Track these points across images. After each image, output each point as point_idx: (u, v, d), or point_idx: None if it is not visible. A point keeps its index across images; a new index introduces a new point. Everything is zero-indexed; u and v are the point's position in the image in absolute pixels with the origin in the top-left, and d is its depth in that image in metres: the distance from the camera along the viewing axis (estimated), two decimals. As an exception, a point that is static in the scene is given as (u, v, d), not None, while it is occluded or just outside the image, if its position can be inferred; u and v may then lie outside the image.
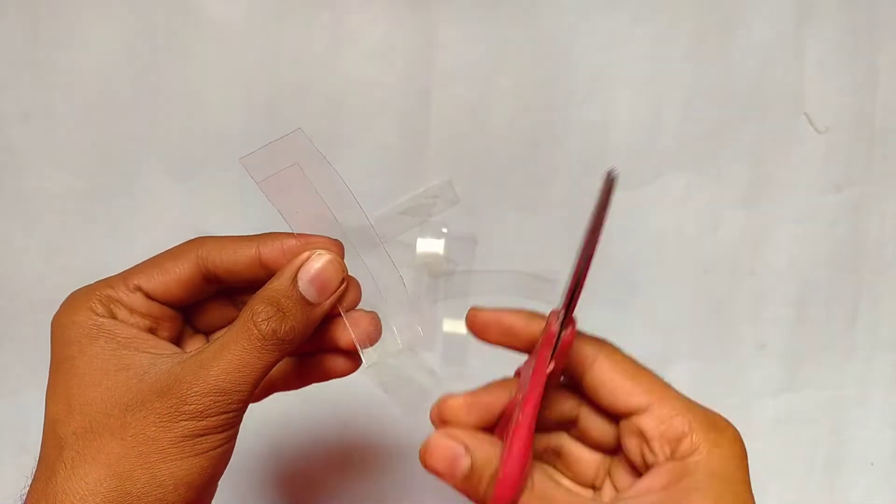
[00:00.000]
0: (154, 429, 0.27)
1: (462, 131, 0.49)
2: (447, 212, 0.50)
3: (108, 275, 0.46)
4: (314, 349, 0.33)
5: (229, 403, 0.28)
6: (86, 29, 0.47)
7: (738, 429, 0.29)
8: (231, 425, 0.29)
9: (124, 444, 0.27)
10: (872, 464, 0.53)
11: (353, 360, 0.33)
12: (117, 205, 0.48)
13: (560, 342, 0.28)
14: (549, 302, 0.50)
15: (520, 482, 0.28)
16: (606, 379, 0.30)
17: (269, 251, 0.31)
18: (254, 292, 0.30)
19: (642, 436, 0.29)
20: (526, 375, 0.30)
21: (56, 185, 0.48)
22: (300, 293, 0.29)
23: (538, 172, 0.49)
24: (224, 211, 0.48)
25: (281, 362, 0.30)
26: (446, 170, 0.49)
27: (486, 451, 0.28)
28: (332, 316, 0.31)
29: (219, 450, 0.29)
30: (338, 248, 0.31)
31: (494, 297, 0.50)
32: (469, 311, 0.32)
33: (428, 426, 0.49)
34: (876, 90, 0.51)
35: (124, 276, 0.31)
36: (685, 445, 0.28)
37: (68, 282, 0.48)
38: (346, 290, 0.31)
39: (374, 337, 0.32)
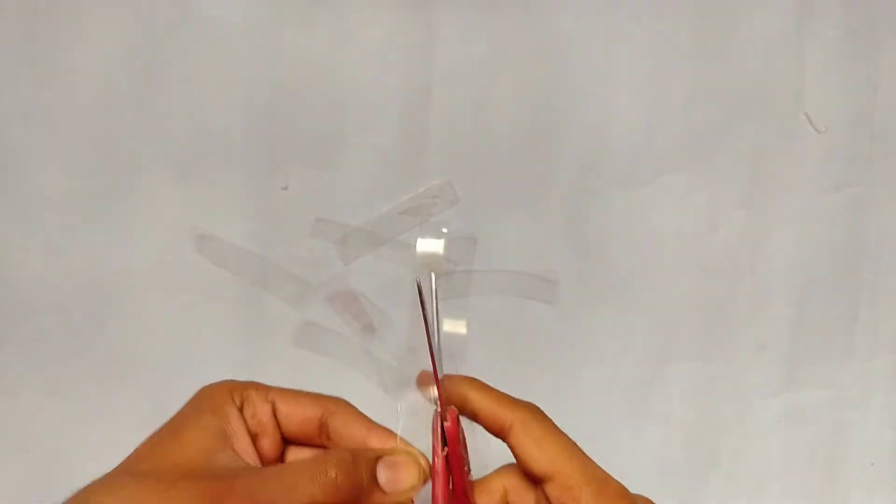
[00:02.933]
0: (188, 501, 0.28)
1: (462, 131, 0.49)
2: (447, 212, 0.50)
3: (106, 274, 0.47)
4: None
5: None
6: (86, 29, 0.47)
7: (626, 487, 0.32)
8: None
9: (158, 500, 0.28)
10: (872, 464, 0.53)
11: None
12: (117, 205, 0.48)
13: (445, 431, 0.33)
14: (548, 302, 0.50)
15: None
16: (518, 447, 0.32)
17: (376, 441, 0.34)
18: None
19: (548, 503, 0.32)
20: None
21: (56, 185, 0.48)
22: (375, 469, 0.32)
23: (538, 172, 0.50)
24: (224, 211, 0.48)
25: None
26: (446, 170, 0.49)
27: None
28: None
29: None
30: (425, 468, 0.33)
31: (494, 297, 0.50)
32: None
33: (427, 426, 0.49)
34: (876, 90, 0.51)
35: (269, 387, 0.35)
36: None
37: (68, 282, 0.48)
38: (407, 500, 0.33)
39: None
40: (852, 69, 0.51)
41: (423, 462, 0.33)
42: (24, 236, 0.48)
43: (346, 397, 0.43)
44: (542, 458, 0.32)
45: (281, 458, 0.36)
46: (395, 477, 0.32)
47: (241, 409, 0.34)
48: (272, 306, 0.49)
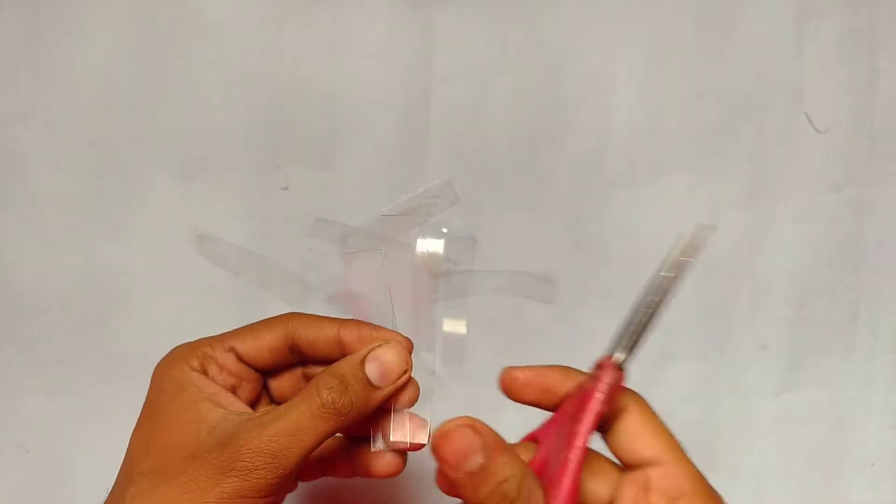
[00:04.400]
0: (206, 479, 0.29)
1: (462, 131, 0.49)
2: (447, 212, 0.50)
3: (106, 274, 0.47)
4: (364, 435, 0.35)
5: (277, 467, 0.29)
6: (86, 29, 0.47)
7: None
8: (273, 492, 0.30)
9: (177, 489, 0.29)
10: (872, 464, 0.53)
11: (397, 462, 0.35)
12: (117, 205, 0.48)
13: (616, 384, 0.30)
14: (548, 302, 0.50)
15: None
16: (632, 428, 0.31)
17: (348, 334, 0.34)
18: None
19: (646, 486, 0.30)
20: (564, 426, 0.30)
21: (56, 185, 0.48)
22: (365, 373, 0.32)
23: (538, 172, 0.50)
24: (224, 211, 0.48)
25: (334, 446, 0.35)
26: (446, 170, 0.49)
27: (506, 460, 0.27)
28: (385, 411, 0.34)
29: None
30: (408, 344, 0.34)
31: (494, 297, 0.50)
32: (504, 371, 0.34)
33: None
34: (876, 90, 0.51)
35: (222, 338, 0.34)
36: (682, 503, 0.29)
37: (68, 282, 0.48)
38: (406, 382, 0.33)
39: (415, 444, 0.34)
40: (852, 69, 0.51)
41: (402, 340, 0.33)
42: (24, 236, 0.48)
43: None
44: (655, 442, 0.31)
45: (265, 393, 0.36)
46: (384, 372, 0.32)
47: (205, 372, 0.33)
48: (272, 306, 0.49)
